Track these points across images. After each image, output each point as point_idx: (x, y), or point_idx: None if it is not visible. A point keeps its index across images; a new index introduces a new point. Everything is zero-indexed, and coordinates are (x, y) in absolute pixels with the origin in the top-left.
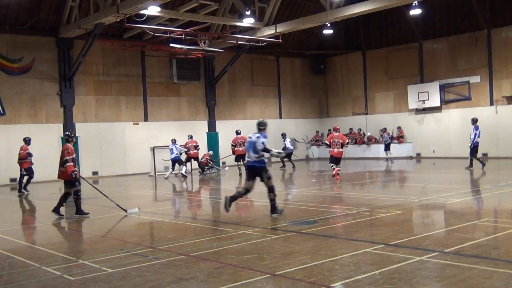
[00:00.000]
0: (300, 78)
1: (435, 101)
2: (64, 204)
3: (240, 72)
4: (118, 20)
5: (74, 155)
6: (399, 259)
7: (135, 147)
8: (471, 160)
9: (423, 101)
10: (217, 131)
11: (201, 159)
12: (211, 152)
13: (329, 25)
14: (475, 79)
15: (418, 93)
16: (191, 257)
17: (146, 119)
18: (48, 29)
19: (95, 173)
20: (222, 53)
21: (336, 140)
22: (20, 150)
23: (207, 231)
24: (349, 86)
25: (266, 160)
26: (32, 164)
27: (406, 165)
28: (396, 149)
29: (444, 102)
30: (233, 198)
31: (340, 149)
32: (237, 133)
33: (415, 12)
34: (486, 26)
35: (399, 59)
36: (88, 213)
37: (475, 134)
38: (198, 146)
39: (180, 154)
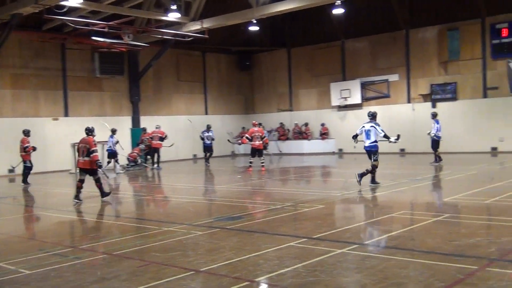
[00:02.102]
0: (226, 74)
1: (356, 98)
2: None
3: (166, 67)
4: (37, 11)
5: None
6: (322, 252)
7: (55, 143)
8: (437, 154)
9: (345, 98)
10: (141, 127)
11: (131, 153)
12: (141, 146)
13: (255, 21)
14: (394, 78)
15: (341, 90)
16: (114, 256)
17: (66, 115)
18: None
19: (11, 170)
20: (146, 47)
21: (256, 134)
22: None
23: (131, 229)
24: (274, 82)
25: (378, 145)
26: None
27: (329, 161)
28: (320, 145)
29: (365, 99)
30: (372, 178)
31: (261, 142)
32: (156, 127)
33: (338, 11)
34: (404, 27)
35: (323, 57)
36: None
37: (437, 128)
38: (164, 137)
39: (113, 147)
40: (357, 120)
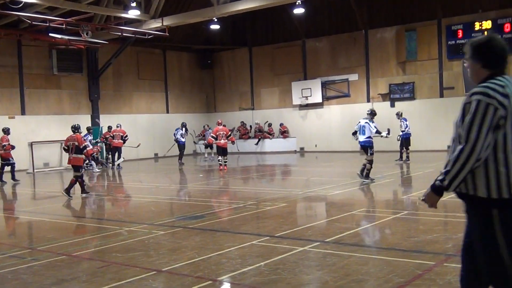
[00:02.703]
0: (187, 72)
1: (317, 97)
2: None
3: (126, 65)
4: None
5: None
6: (284, 250)
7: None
8: (401, 153)
9: (306, 97)
10: (101, 125)
11: (93, 152)
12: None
13: (216, 20)
14: (353, 77)
15: (302, 89)
16: (73, 257)
17: (23, 113)
18: None
19: None
20: (106, 44)
21: (221, 133)
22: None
23: (91, 229)
24: (236, 81)
25: (372, 140)
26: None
27: (290, 159)
28: (281, 144)
29: (326, 98)
30: (362, 171)
31: (226, 140)
32: (117, 126)
33: (299, 11)
34: (363, 27)
35: (284, 56)
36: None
37: (407, 125)
38: (125, 136)
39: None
40: (318, 119)
